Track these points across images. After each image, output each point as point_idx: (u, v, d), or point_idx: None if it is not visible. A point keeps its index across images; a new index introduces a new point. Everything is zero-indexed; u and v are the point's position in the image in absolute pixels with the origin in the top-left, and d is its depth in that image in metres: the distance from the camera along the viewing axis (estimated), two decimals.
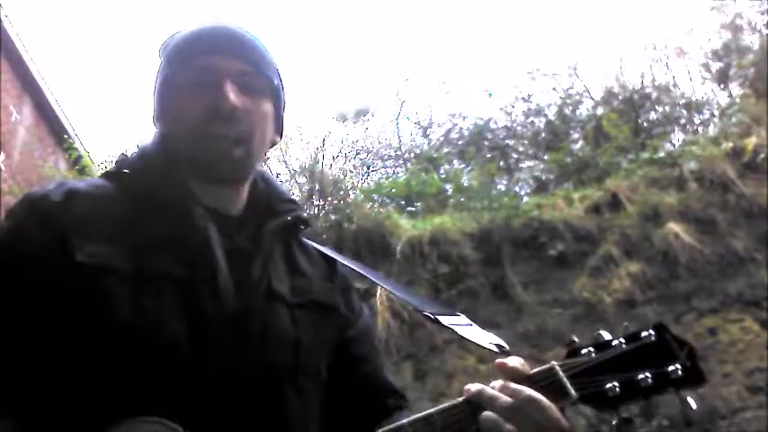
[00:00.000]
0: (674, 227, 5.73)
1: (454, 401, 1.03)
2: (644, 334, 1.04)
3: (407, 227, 6.30)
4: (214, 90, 1.13)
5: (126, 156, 1.21)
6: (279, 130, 1.26)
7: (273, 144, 1.26)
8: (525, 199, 7.49)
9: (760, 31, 9.18)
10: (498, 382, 1.02)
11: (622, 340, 1.04)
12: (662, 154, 6.92)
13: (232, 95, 1.13)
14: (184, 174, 1.14)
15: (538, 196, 7.15)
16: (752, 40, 9.19)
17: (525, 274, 5.88)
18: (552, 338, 5.37)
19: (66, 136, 10.10)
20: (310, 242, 1.30)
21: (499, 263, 5.93)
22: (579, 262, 5.83)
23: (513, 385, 1.00)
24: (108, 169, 1.21)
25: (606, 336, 1.06)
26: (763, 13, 9.22)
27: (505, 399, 0.98)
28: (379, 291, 5.38)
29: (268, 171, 1.34)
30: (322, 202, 7.36)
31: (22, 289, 1.02)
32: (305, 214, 1.28)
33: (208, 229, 1.10)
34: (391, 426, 1.03)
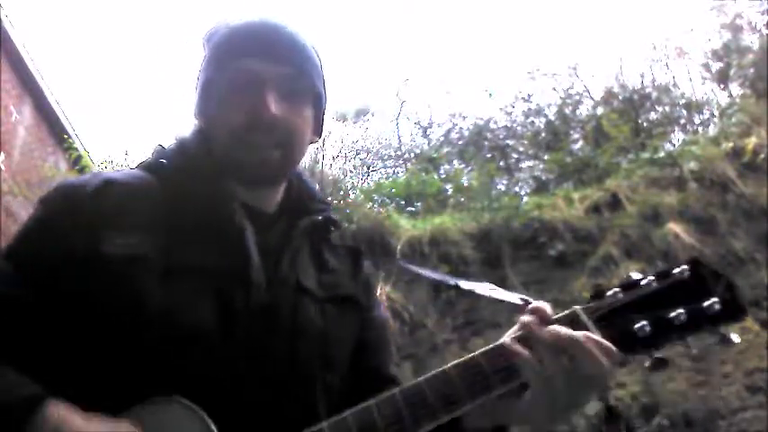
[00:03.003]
0: (674, 227, 5.73)
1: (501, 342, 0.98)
2: (676, 270, 0.95)
3: (407, 227, 6.30)
4: (255, 97, 1.12)
5: (164, 148, 1.21)
6: (318, 132, 1.27)
7: (311, 143, 1.27)
8: (525, 199, 7.49)
9: (760, 31, 9.18)
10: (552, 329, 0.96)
11: (652, 278, 0.96)
12: (662, 154, 6.92)
13: (273, 106, 1.12)
14: (222, 170, 1.14)
15: (538, 196, 7.15)
16: (752, 40, 9.20)
17: (525, 275, 5.88)
18: None
19: (66, 136, 10.09)
20: (337, 240, 1.32)
21: (499, 263, 5.93)
22: (579, 262, 5.83)
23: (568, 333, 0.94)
24: (146, 160, 1.21)
25: (635, 276, 0.98)
26: (763, 13, 9.22)
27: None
28: (379, 291, 5.38)
29: (303, 171, 1.34)
30: None
31: (52, 277, 1.03)
32: (335, 216, 1.29)
33: (243, 224, 1.10)
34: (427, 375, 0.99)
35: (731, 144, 6.43)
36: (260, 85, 1.13)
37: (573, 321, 0.96)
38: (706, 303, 0.92)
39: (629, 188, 6.30)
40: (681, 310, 0.92)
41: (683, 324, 0.92)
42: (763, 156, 6.12)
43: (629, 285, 0.97)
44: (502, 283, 5.79)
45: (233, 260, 1.07)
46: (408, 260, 5.65)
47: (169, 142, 1.23)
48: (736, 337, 0.92)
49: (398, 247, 5.97)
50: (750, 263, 5.50)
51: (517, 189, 8.88)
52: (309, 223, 1.21)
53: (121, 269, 1.01)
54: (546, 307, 1.00)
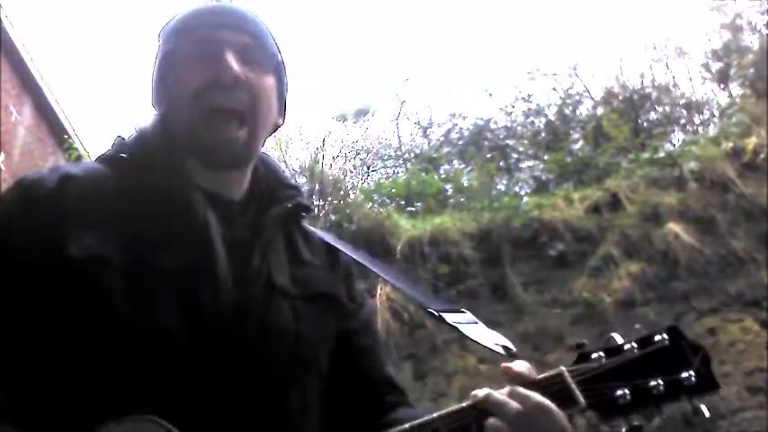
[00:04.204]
0: (674, 227, 5.73)
1: (459, 406, 1.00)
2: (657, 338, 1.00)
3: (407, 227, 6.30)
4: (215, 60, 1.09)
5: (123, 139, 1.16)
6: (282, 112, 1.22)
7: (276, 128, 1.22)
8: (525, 199, 7.49)
9: (760, 31, 9.19)
10: (506, 389, 0.98)
11: (634, 345, 1.00)
12: (662, 154, 6.92)
13: (235, 65, 1.08)
14: (183, 155, 1.10)
15: (538, 196, 7.15)
16: (752, 40, 9.21)
17: (525, 275, 5.88)
18: (552, 339, 5.37)
19: (66, 136, 10.10)
20: (313, 229, 1.26)
21: (499, 263, 5.93)
22: (579, 262, 5.83)
23: (523, 391, 0.96)
24: (104, 153, 1.16)
25: (618, 340, 1.01)
26: (763, 13, 9.23)
27: (514, 405, 0.95)
28: (379, 290, 5.38)
29: (270, 156, 1.28)
30: (322, 202, 7.36)
31: (14, 278, 1.00)
32: (306, 200, 1.24)
33: (207, 217, 1.06)
34: (394, 430, 1.00)
35: (731, 144, 6.43)
36: (219, 49, 1.10)
37: (557, 383, 0.99)
38: (683, 375, 0.97)
39: (629, 188, 6.30)
40: (659, 381, 0.97)
41: (660, 394, 0.97)
42: (763, 156, 6.12)
43: (613, 350, 1.01)
44: (502, 282, 5.80)
45: (197, 255, 1.03)
46: (403, 270, 5.65)
47: (129, 133, 1.17)
48: (706, 411, 0.98)
49: (398, 248, 5.97)
50: (750, 263, 5.50)
51: (517, 189, 8.88)
52: (281, 212, 1.16)
53: (84, 269, 0.98)
54: (528, 371, 1.00)
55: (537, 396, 0.96)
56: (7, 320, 1.00)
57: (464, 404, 1.00)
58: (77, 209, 1.03)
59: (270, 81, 1.16)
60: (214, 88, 1.09)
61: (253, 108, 1.11)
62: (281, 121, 1.23)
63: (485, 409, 0.97)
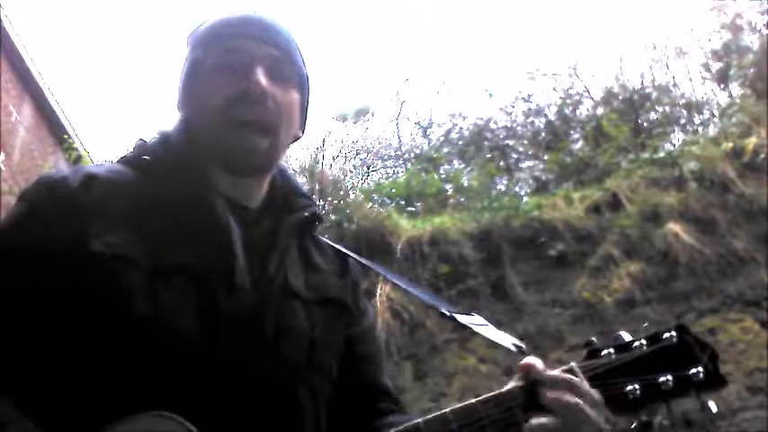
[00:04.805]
0: (674, 227, 5.73)
1: (504, 389, 1.01)
2: (665, 335, 1.02)
3: (407, 227, 6.30)
4: (244, 73, 1.11)
5: (145, 142, 1.17)
6: (302, 124, 1.25)
7: (296, 139, 1.24)
8: (525, 199, 7.49)
9: (760, 31, 9.19)
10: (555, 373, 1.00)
11: (643, 342, 1.02)
12: (662, 154, 6.93)
13: (263, 80, 1.11)
14: (206, 162, 1.12)
15: (538, 196, 7.16)
16: (752, 40, 9.21)
17: (525, 274, 5.88)
18: (552, 339, 5.37)
19: (66, 136, 10.10)
20: (322, 238, 1.29)
21: (499, 263, 5.94)
22: (579, 262, 5.84)
23: (575, 380, 0.99)
24: (127, 155, 1.17)
25: (626, 337, 1.04)
26: (763, 13, 9.23)
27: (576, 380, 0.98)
28: (379, 290, 5.38)
29: (285, 165, 1.32)
30: (322, 202, 7.35)
31: (37, 274, 1.00)
32: (320, 211, 1.27)
33: (228, 221, 1.08)
34: (432, 416, 1.00)
35: (731, 144, 6.44)
36: (249, 62, 1.12)
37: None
38: (692, 371, 1.00)
39: (629, 188, 6.31)
40: (669, 377, 0.99)
41: (669, 390, 0.99)
42: (763, 156, 6.13)
43: (622, 347, 1.03)
44: (502, 282, 5.80)
45: (218, 260, 1.04)
46: (403, 270, 5.65)
47: (151, 136, 1.19)
48: (713, 406, 1.00)
49: (398, 247, 5.97)
50: (750, 263, 5.50)
51: (517, 189, 8.88)
52: (295, 221, 1.18)
53: (108, 268, 0.99)
54: (540, 363, 1.02)
55: (590, 389, 0.98)
56: (29, 317, 1.00)
57: (510, 386, 1.00)
58: (101, 208, 1.04)
59: (294, 96, 1.18)
60: (242, 102, 1.11)
61: (276, 124, 1.14)
62: (300, 134, 1.25)
63: (535, 388, 0.98)
